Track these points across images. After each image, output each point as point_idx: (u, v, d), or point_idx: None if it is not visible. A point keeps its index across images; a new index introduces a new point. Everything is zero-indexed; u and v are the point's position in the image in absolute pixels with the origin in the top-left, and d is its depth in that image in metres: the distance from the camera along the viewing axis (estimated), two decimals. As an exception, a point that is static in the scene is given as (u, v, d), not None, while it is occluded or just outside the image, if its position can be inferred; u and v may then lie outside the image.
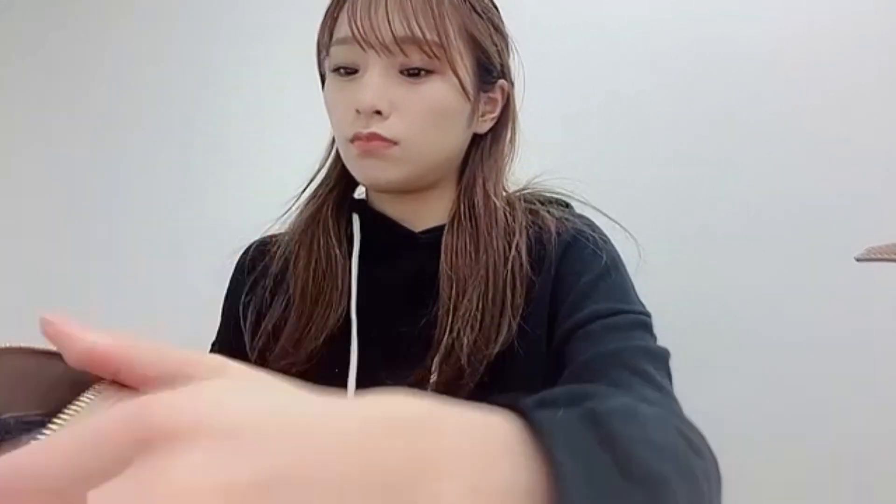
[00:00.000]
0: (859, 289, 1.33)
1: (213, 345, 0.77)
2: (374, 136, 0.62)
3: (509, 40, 0.71)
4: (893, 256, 0.78)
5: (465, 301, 0.63)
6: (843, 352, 1.35)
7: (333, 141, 0.73)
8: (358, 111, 0.61)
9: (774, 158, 1.39)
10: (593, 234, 0.71)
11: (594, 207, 0.76)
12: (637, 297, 0.68)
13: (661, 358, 0.60)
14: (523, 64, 0.72)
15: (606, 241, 0.72)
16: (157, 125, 1.69)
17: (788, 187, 1.38)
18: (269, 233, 0.79)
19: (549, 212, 0.71)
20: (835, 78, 1.36)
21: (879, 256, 0.80)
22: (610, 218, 0.75)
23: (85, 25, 1.72)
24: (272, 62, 1.63)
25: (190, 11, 1.68)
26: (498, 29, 0.69)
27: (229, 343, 0.74)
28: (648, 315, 0.66)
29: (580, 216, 0.74)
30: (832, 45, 1.36)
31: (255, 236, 0.80)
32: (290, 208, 0.76)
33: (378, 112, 0.61)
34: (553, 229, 0.69)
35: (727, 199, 1.40)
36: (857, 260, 0.83)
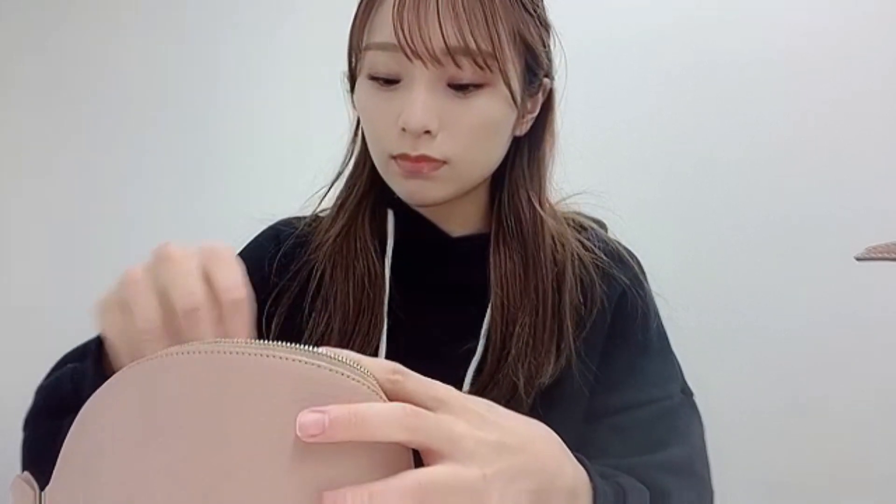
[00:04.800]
0: (859, 288, 1.34)
1: None
2: (422, 158, 0.56)
3: (552, 30, 0.63)
4: (893, 255, 0.79)
5: (518, 329, 0.61)
6: (843, 350, 1.36)
7: (355, 138, 0.68)
8: (404, 129, 0.55)
9: (777, 160, 1.40)
10: (642, 282, 0.68)
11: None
12: (673, 362, 0.67)
13: (679, 465, 0.59)
14: (564, 49, 0.65)
15: (647, 286, 0.69)
16: (168, 123, 1.69)
17: (790, 188, 1.39)
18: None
19: (591, 237, 0.68)
20: (836, 82, 1.38)
21: (879, 256, 0.81)
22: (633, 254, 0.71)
23: (95, 22, 1.73)
24: (286, 58, 1.63)
25: (204, 6, 1.68)
26: (544, 22, 0.61)
27: None
28: (673, 396, 0.64)
29: (616, 242, 0.71)
30: (835, 51, 1.38)
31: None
32: (316, 210, 0.71)
33: (427, 132, 0.55)
34: (601, 263, 0.66)
35: (731, 200, 1.42)
36: (857, 259, 0.85)
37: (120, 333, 0.38)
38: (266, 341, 0.33)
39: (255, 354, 0.31)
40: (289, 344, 0.32)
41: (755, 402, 1.38)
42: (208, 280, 0.37)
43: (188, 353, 0.32)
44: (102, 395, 0.33)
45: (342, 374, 0.32)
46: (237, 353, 0.31)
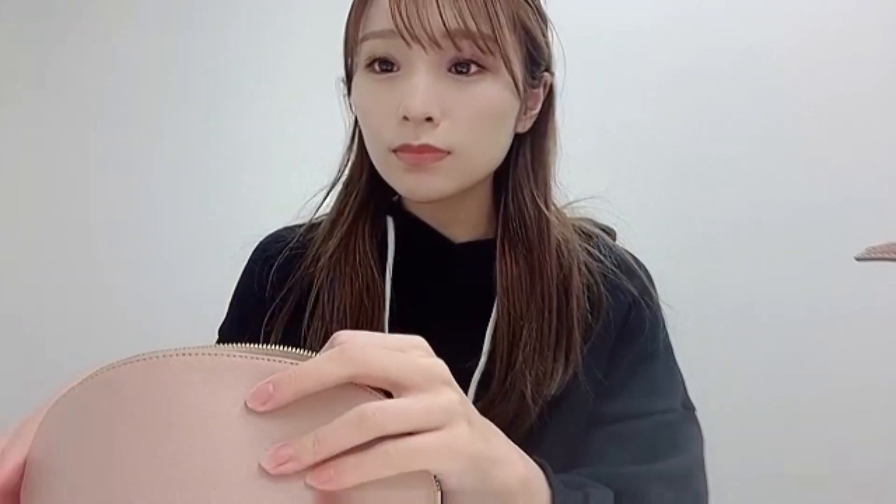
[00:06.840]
0: (859, 288, 1.34)
1: (219, 337, 0.70)
2: (425, 148, 0.54)
3: (549, 24, 0.62)
4: (893, 256, 0.79)
5: (525, 335, 0.59)
6: (843, 350, 1.36)
7: (351, 144, 0.66)
8: (406, 118, 0.53)
9: (777, 160, 1.40)
10: (651, 292, 0.67)
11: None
12: (677, 375, 0.66)
13: (677, 477, 0.58)
14: (564, 49, 0.63)
15: (656, 296, 0.68)
16: (171, 125, 1.69)
17: (790, 188, 1.39)
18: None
19: (598, 245, 0.66)
20: (836, 82, 1.38)
21: (879, 256, 0.81)
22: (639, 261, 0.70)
23: (99, 25, 1.73)
24: (286, 60, 1.64)
25: (204, 9, 1.68)
26: (542, 14, 0.60)
27: (236, 340, 0.66)
28: (674, 410, 0.63)
29: (623, 251, 0.69)
30: (836, 50, 1.38)
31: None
32: (313, 217, 0.69)
33: (428, 119, 0.54)
34: (607, 273, 0.64)
35: (731, 201, 1.42)
36: (857, 259, 0.85)
37: None
38: (221, 345, 0.34)
39: (212, 355, 0.32)
40: (244, 345, 0.33)
41: (755, 402, 1.38)
42: None
43: (145, 359, 0.32)
44: (57, 414, 0.33)
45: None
46: (192, 354, 0.32)
